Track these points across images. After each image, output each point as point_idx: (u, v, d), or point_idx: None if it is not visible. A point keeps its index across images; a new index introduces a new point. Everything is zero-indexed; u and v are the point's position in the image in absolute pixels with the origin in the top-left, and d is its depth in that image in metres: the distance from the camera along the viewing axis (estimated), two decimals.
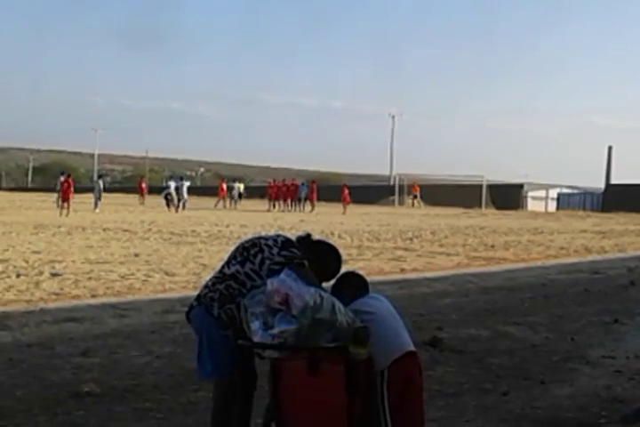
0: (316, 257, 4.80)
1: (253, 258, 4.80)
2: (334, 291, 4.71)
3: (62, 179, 40.18)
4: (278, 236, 5.00)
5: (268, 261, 4.75)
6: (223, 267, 4.93)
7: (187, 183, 46.93)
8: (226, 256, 5.07)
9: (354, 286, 4.77)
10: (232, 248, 5.10)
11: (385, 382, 4.40)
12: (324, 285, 4.81)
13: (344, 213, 46.23)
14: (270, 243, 4.86)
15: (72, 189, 37.76)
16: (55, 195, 42.39)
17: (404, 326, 4.68)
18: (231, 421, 4.91)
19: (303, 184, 53.63)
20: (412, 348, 4.57)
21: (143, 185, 57.03)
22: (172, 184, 48.11)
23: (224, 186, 53.90)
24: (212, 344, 4.79)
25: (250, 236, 5.24)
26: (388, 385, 4.39)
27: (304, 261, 4.70)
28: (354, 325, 4.43)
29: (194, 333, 5.01)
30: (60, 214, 34.17)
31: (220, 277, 4.88)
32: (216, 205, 50.97)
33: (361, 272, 5.05)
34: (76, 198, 39.84)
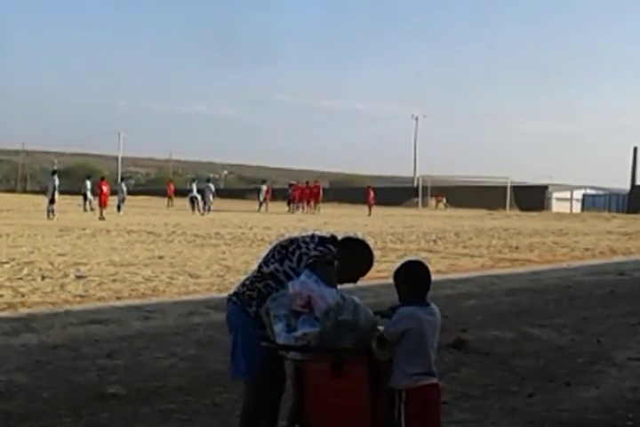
0: (349, 252, 4.82)
1: (292, 255, 4.82)
2: (395, 280, 4.58)
3: (88, 183, 41.20)
4: (314, 234, 5.03)
5: (305, 257, 4.76)
6: (261, 266, 4.94)
7: (212, 186, 46.99)
8: (262, 255, 5.08)
9: (411, 286, 4.51)
10: (269, 248, 5.12)
11: (403, 403, 4.35)
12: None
13: (369, 214, 46.17)
14: (307, 239, 4.89)
15: (108, 191, 37.93)
16: (81, 198, 42.72)
17: (435, 345, 4.49)
18: (259, 421, 4.91)
19: (291, 185, 53.48)
20: (430, 379, 4.43)
21: (172, 188, 57.14)
22: (195, 187, 48.55)
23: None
24: (247, 343, 4.78)
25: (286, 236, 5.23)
26: (406, 404, 4.34)
27: (334, 261, 4.71)
28: (377, 326, 4.43)
29: (225, 331, 5.01)
30: (100, 218, 34.28)
31: (259, 275, 4.89)
32: (267, 209, 50.56)
33: (426, 264, 4.72)
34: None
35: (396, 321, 4.39)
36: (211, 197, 45.56)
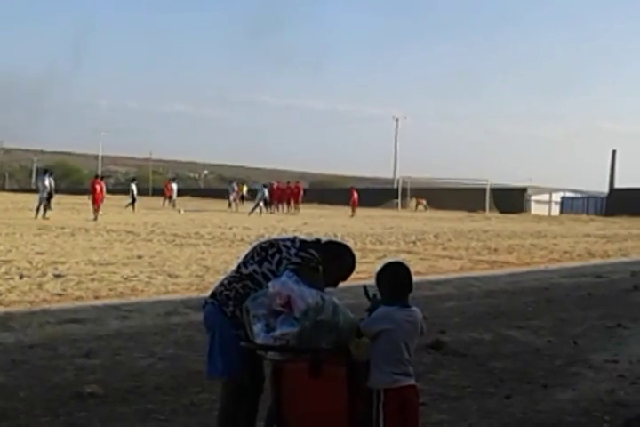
0: (329, 257, 4.82)
1: (271, 258, 4.81)
2: (377, 282, 4.57)
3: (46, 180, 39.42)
4: (295, 237, 5.01)
5: (285, 261, 4.76)
6: (239, 266, 4.94)
7: (266, 191, 47.99)
8: (241, 256, 5.09)
9: (394, 285, 4.52)
10: (248, 248, 5.12)
11: (381, 403, 4.35)
12: (342, 284, 4.86)
13: (352, 215, 46.16)
14: (288, 244, 4.87)
15: (101, 190, 35.82)
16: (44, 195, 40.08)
17: (413, 346, 4.50)
18: (237, 421, 4.92)
19: (265, 186, 53.40)
20: (408, 380, 4.43)
21: (169, 188, 55.91)
22: (175, 186, 48.79)
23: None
24: (224, 343, 4.80)
25: (266, 238, 5.23)
26: (385, 405, 4.35)
27: (319, 266, 4.72)
28: (356, 327, 4.44)
29: (204, 331, 5.02)
30: (95, 218, 32.62)
31: (237, 276, 4.89)
32: (237, 209, 50.77)
33: (407, 265, 4.71)
34: (79, 200, 39.71)
35: (373, 320, 4.41)
36: (260, 201, 46.25)
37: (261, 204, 46.42)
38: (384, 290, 4.54)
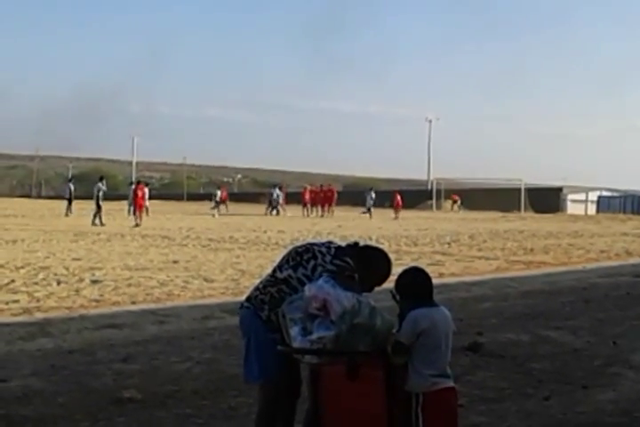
0: (364, 262, 4.79)
1: (306, 263, 4.79)
2: (397, 292, 4.56)
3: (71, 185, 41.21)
4: (330, 243, 4.98)
5: (320, 268, 4.73)
6: (274, 271, 4.94)
7: (373, 194, 50.12)
8: (277, 260, 5.09)
9: (415, 290, 4.53)
10: (283, 252, 5.12)
11: (420, 407, 4.33)
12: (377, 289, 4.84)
13: (395, 218, 46.11)
14: (324, 250, 4.84)
15: (143, 196, 35.77)
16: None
17: (449, 346, 4.49)
18: (274, 425, 4.92)
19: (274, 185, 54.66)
20: (447, 382, 4.43)
21: (224, 193, 55.34)
22: (218, 192, 49.11)
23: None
24: (260, 347, 4.79)
25: (301, 242, 5.23)
26: (424, 408, 4.33)
27: (354, 275, 4.70)
28: (392, 329, 4.42)
29: (240, 335, 5.03)
30: (137, 225, 32.11)
31: (272, 280, 4.89)
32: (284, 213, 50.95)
33: (426, 270, 4.78)
34: (113, 206, 39.89)
35: (411, 323, 4.38)
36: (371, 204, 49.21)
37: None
38: (408, 295, 4.51)
